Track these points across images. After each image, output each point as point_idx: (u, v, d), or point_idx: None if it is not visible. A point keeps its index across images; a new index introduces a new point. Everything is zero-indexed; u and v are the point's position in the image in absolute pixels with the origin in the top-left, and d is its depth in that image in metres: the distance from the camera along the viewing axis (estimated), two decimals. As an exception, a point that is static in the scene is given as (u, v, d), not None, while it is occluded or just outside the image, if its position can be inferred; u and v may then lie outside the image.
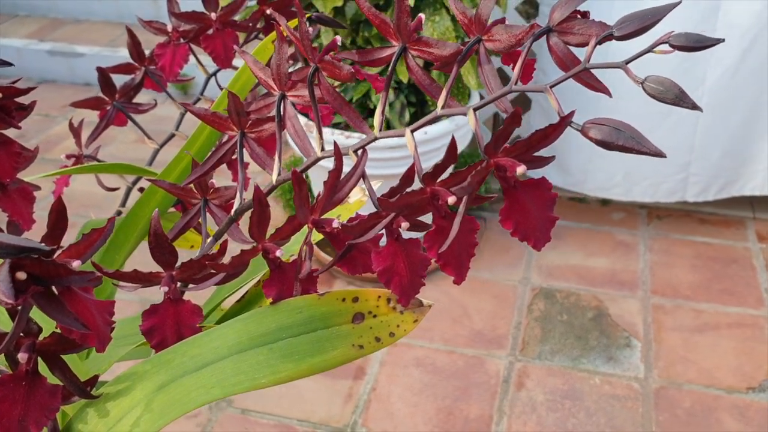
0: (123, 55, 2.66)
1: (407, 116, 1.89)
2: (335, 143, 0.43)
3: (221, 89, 0.84)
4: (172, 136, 0.81)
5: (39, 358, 0.40)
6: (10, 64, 0.54)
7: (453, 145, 0.38)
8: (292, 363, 0.45)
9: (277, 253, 0.46)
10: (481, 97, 2.12)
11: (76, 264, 0.36)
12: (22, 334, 0.38)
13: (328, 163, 1.65)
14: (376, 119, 0.45)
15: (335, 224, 0.43)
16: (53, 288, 0.35)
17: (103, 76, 0.76)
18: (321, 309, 0.46)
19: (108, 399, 0.46)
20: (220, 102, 0.67)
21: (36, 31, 2.95)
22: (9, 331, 0.36)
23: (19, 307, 0.37)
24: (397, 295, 0.43)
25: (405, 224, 0.41)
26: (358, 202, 0.57)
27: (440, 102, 0.43)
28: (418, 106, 1.87)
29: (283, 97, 0.49)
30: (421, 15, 0.44)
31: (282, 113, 0.49)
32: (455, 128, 1.80)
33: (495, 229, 2.11)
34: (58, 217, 0.38)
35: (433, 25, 1.72)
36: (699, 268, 2.00)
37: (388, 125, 1.79)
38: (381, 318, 0.46)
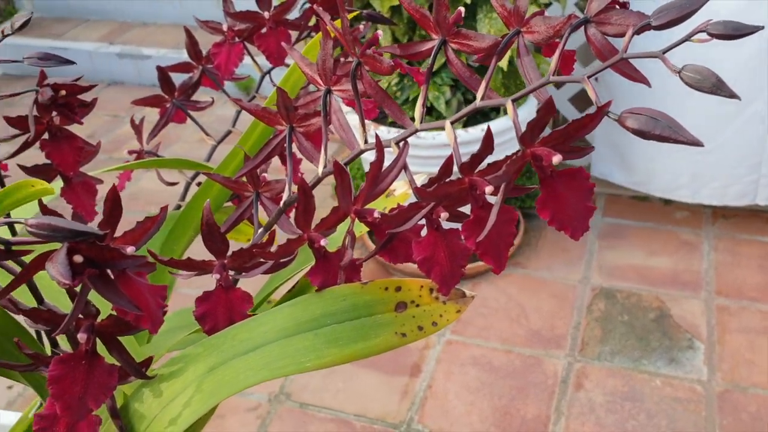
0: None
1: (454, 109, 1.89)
2: (377, 135, 0.44)
3: (275, 87, 0.87)
4: (229, 132, 0.84)
5: (97, 339, 0.43)
6: (72, 63, 0.57)
7: (489, 134, 0.39)
8: (336, 348, 0.46)
9: (322, 243, 0.47)
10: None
11: (130, 249, 0.38)
12: (81, 315, 0.40)
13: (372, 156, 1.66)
14: (417, 111, 0.46)
15: (376, 214, 0.45)
16: (108, 272, 0.37)
17: (163, 74, 0.79)
18: (364, 297, 0.48)
19: (162, 380, 0.48)
20: (272, 98, 0.69)
21: (106, 34, 3.07)
22: (69, 312, 0.39)
23: (78, 290, 0.39)
24: (438, 284, 0.44)
25: (444, 214, 0.42)
26: (404, 194, 0.58)
27: (479, 93, 0.44)
28: (466, 104, 1.87)
29: (328, 92, 0.51)
30: (461, 8, 0.44)
31: (327, 108, 0.51)
32: (510, 126, 1.79)
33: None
34: (113, 205, 0.41)
35: (490, 22, 1.72)
36: (766, 269, 1.94)
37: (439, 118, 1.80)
38: (424, 307, 0.47)
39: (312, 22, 0.77)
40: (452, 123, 0.44)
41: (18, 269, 0.46)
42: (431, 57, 0.45)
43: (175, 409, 0.46)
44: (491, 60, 0.44)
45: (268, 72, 0.83)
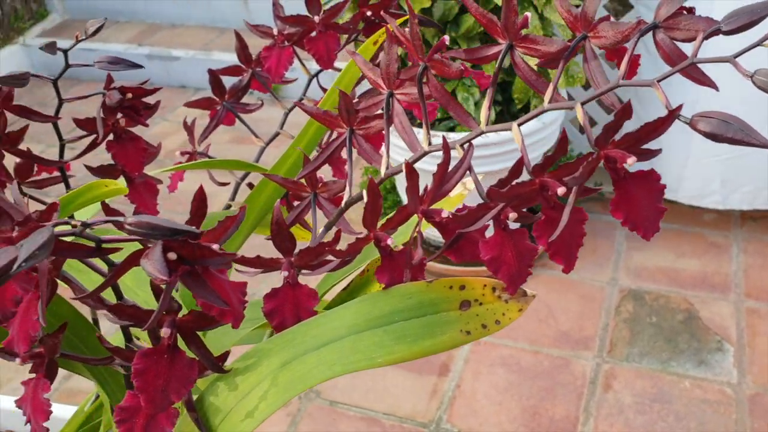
0: (216, 58, 2.76)
1: (493, 114, 1.90)
2: (444, 137, 0.46)
3: (323, 90, 0.88)
4: (277, 134, 0.85)
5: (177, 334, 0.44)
6: (140, 66, 0.59)
7: (564, 137, 0.40)
8: (405, 345, 0.47)
9: (388, 242, 0.49)
10: (569, 96, 2.10)
11: (214, 248, 0.39)
12: (164, 311, 0.42)
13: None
14: (483, 114, 0.47)
15: (444, 214, 0.46)
16: (197, 268, 0.39)
17: (214, 78, 0.81)
18: (430, 295, 0.49)
19: (237, 374, 0.49)
20: (325, 101, 0.71)
21: (135, 36, 3.11)
22: (154, 308, 0.40)
23: (164, 286, 0.41)
24: (506, 283, 0.45)
25: (513, 215, 0.43)
26: (458, 195, 0.59)
27: (547, 96, 0.45)
28: (503, 104, 1.88)
29: (391, 95, 0.52)
30: (528, 14, 0.46)
31: (390, 110, 0.52)
32: (542, 126, 1.80)
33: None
34: (200, 204, 0.42)
35: (520, 25, 1.72)
36: (797, 271, 1.93)
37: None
38: (487, 306, 0.48)
39: (360, 25, 0.79)
40: (519, 124, 0.45)
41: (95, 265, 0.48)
42: (498, 61, 0.46)
43: (251, 402, 0.47)
44: (555, 64, 0.46)
45: (316, 75, 0.85)
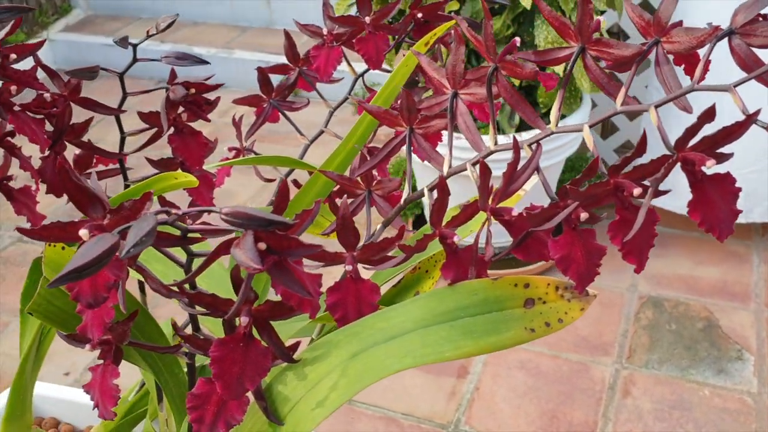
0: (238, 56, 2.78)
1: (516, 119, 1.91)
2: (514, 137, 0.47)
3: (368, 90, 0.89)
4: (321, 132, 0.86)
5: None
6: (206, 62, 0.60)
7: (644, 138, 0.41)
8: (471, 340, 0.48)
9: (455, 239, 0.50)
10: (593, 102, 2.11)
11: (301, 239, 0.40)
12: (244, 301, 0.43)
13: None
14: (553, 115, 0.48)
15: (515, 212, 0.47)
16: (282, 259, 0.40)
17: (263, 76, 0.82)
18: (495, 292, 0.50)
19: (305, 364, 0.50)
20: (376, 100, 0.72)
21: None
22: (233, 297, 0.41)
23: (244, 276, 0.42)
24: (575, 281, 0.46)
25: (584, 215, 0.44)
26: (515, 196, 0.60)
27: (619, 99, 0.46)
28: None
29: (455, 95, 0.53)
30: (600, 18, 0.47)
31: (454, 110, 0.53)
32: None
33: (600, 237, 2.09)
34: (282, 198, 0.43)
35: (547, 29, 1.73)
36: (819, 283, 1.93)
37: (498, 127, 1.81)
38: (550, 304, 0.49)
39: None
40: (591, 126, 0.46)
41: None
42: (570, 63, 0.47)
43: (321, 392, 0.48)
44: (625, 68, 0.46)
45: (361, 75, 0.86)
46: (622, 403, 1.72)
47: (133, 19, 3.23)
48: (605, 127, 2.27)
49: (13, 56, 0.54)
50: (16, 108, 0.57)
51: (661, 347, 1.83)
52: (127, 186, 0.71)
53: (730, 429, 1.63)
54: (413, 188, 0.55)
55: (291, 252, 0.39)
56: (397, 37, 0.81)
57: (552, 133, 0.48)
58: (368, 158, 0.77)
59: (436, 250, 0.62)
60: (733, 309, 1.88)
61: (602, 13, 1.86)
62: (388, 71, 0.87)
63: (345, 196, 0.52)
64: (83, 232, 0.37)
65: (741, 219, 2.02)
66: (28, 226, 0.57)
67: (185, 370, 0.62)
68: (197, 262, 0.46)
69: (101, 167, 0.72)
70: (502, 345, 0.49)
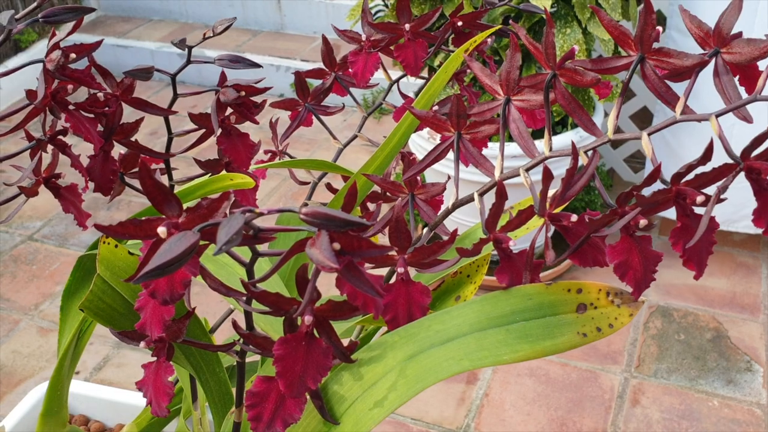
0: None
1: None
2: (573, 143, 0.47)
3: (402, 96, 0.90)
4: (355, 137, 0.87)
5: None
6: (258, 66, 0.60)
7: (710, 146, 0.41)
8: (527, 344, 0.49)
9: (510, 244, 0.50)
10: (605, 112, 2.12)
11: (373, 241, 0.41)
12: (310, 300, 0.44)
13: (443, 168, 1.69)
14: (610, 123, 0.49)
15: (573, 218, 0.47)
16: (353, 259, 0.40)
17: (300, 80, 0.83)
18: (549, 297, 0.51)
19: (361, 364, 0.51)
20: (417, 103, 0.72)
21: (168, 34, 3.14)
22: (292, 296, 0.42)
23: (309, 276, 0.42)
24: (632, 287, 0.46)
25: (643, 221, 0.45)
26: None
27: (678, 108, 0.46)
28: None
29: (508, 101, 0.54)
30: (659, 28, 0.47)
31: (507, 116, 0.54)
32: (579, 140, 1.82)
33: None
34: (351, 198, 0.44)
35: (564, 37, 1.75)
36: (828, 295, 1.94)
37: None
38: (601, 310, 0.50)
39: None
40: (649, 133, 0.47)
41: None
42: (629, 71, 0.48)
43: (379, 392, 0.49)
44: (683, 78, 0.47)
45: (397, 81, 0.87)
46: (631, 412, 1.72)
47: (143, 21, 3.24)
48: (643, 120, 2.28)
49: (73, 56, 0.55)
50: (71, 107, 0.58)
51: (670, 357, 1.84)
52: (171, 186, 0.72)
53: (739, 440, 1.64)
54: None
55: (362, 252, 0.39)
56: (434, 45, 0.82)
57: (609, 140, 0.49)
58: (401, 163, 0.78)
59: (480, 256, 0.63)
60: (742, 320, 1.89)
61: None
62: (424, 78, 0.88)
63: (400, 199, 0.53)
64: (162, 230, 0.38)
65: (749, 230, 2.04)
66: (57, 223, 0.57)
67: (226, 369, 0.63)
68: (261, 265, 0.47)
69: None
70: (556, 349, 0.49)
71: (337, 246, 0.39)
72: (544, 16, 1.71)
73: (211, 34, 0.63)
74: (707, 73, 0.48)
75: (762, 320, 1.88)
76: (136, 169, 0.69)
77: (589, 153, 0.48)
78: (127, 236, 0.39)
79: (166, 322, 0.47)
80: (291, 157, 0.84)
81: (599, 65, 0.50)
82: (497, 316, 0.50)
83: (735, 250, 2.10)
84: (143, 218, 0.39)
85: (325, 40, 0.84)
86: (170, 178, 0.71)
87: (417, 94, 0.91)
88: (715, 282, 2.00)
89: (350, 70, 0.82)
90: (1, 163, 0.62)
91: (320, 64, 0.87)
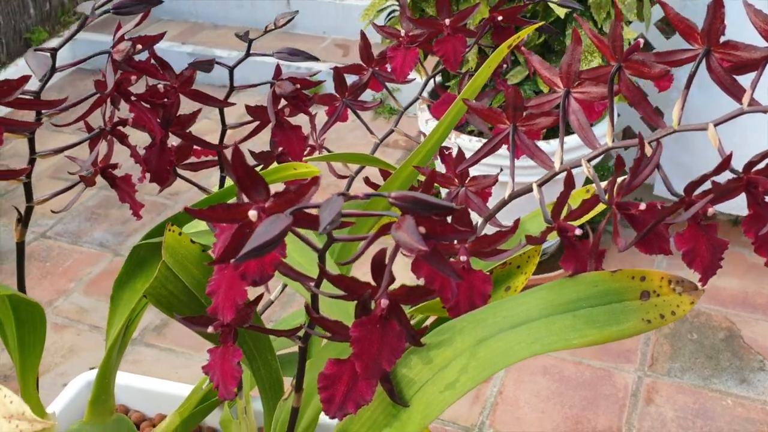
0: (258, 59, 2.79)
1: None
2: (639, 134, 0.48)
3: (440, 91, 0.91)
4: (391, 131, 0.88)
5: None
6: (316, 59, 0.61)
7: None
8: (595, 329, 0.50)
9: (576, 232, 0.51)
10: (617, 112, 2.13)
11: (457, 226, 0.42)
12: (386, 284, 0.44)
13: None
14: (675, 114, 0.50)
15: (642, 206, 0.48)
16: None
17: (338, 75, 0.84)
18: (614, 284, 0.52)
19: (430, 348, 0.52)
20: (464, 93, 0.73)
21: (178, 34, 3.14)
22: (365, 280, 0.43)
23: (387, 261, 0.43)
24: (700, 273, 0.48)
25: (711, 210, 0.46)
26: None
27: (745, 100, 0.48)
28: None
29: (567, 93, 0.55)
30: (725, 23, 0.48)
31: (566, 108, 0.55)
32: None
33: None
34: (428, 187, 0.45)
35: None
36: (840, 295, 1.96)
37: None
38: (663, 297, 0.51)
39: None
40: (716, 124, 0.48)
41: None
42: (695, 65, 0.49)
43: (450, 375, 0.50)
44: (748, 71, 0.48)
45: (433, 76, 0.88)
46: (645, 411, 1.73)
47: (153, 20, 3.25)
48: (626, 134, 2.29)
49: (139, 47, 0.56)
50: (133, 98, 0.59)
51: (683, 356, 1.85)
52: (223, 178, 0.73)
53: (753, 438, 1.65)
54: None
55: (445, 236, 0.40)
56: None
57: (674, 131, 0.50)
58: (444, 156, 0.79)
59: (531, 247, 0.63)
60: (755, 320, 1.90)
61: (629, 23, 1.89)
62: (460, 74, 0.89)
63: (461, 188, 0.54)
64: (253, 213, 0.39)
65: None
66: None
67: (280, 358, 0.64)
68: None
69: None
70: (623, 334, 0.50)
71: (422, 230, 0.40)
72: (561, 16, 1.72)
73: (273, 27, 0.64)
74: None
75: (774, 320, 1.90)
76: (189, 161, 0.70)
77: (653, 144, 0.49)
78: (216, 219, 0.40)
79: (238, 306, 0.48)
80: (329, 151, 0.85)
81: (665, 57, 0.51)
82: (563, 303, 0.51)
83: (746, 251, 2.11)
84: (232, 203, 0.40)
85: (363, 36, 0.85)
86: (221, 169, 0.72)
87: (430, 95, 0.92)
88: (727, 282, 2.01)
89: (388, 66, 0.83)
90: (59, 154, 0.62)
91: (331, 64, 0.88)
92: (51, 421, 0.43)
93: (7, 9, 2.86)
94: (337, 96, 0.86)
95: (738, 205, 1.80)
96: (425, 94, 0.94)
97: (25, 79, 0.56)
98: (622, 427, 1.69)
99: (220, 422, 0.79)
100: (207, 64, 0.60)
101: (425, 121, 1.88)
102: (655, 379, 1.79)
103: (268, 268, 0.41)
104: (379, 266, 0.44)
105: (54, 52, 0.59)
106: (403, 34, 0.83)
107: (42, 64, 0.57)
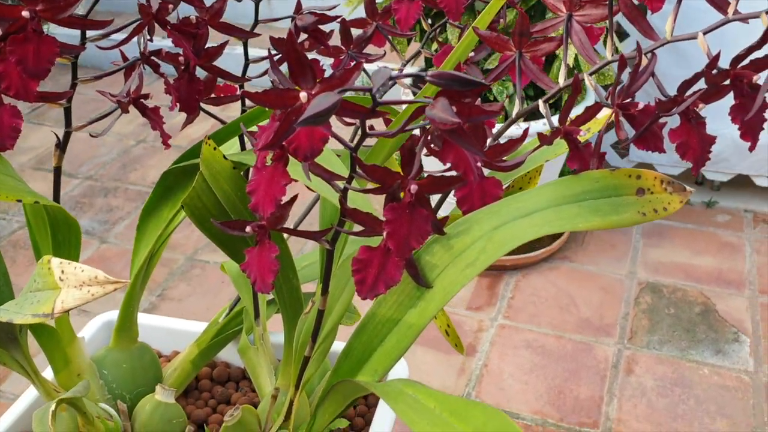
0: (239, 52, 2.83)
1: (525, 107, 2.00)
2: (638, 43, 0.54)
3: (439, 45, 0.96)
4: (394, 83, 0.93)
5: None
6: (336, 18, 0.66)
7: (766, 33, 0.48)
8: (598, 217, 0.55)
9: (580, 135, 0.57)
10: (595, 99, 2.21)
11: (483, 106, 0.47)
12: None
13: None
14: (668, 26, 0.56)
15: (640, 106, 0.54)
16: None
17: (345, 27, 0.89)
18: (613, 181, 0.57)
19: (450, 237, 0.57)
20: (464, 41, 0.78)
21: (160, 30, 3.17)
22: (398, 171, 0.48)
23: (417, 150, 0.48)
24: (692, 163, 0.53)
25: (702, 105, 0.52)
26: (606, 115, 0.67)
27: (730, 11, 0.53)
28: (534, 99, 1.99)
29: (570, 17, 0.61)
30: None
31: (569, 30, 0.60)
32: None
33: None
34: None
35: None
36: (809, 271, 2.05)
37: (506, 116, 1.91)
38: (656, 195, 0.57)
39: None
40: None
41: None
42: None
43: (470, 256, 0.55)
44: None
45: (436, 28, 0.93)
46: (626, 380, 1.80)
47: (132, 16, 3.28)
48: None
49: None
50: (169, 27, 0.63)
51: (661, 329, 1.92)
52: (244, 110, 0.77)
53: (728, 404, 1.72)
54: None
55: (474, 117, 0.45)
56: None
57: (667, 42, 0.56)
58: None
59: (531, 167, 0.69)
60: (728, 295, 1.98)
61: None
62: (460, 27, 0.94)
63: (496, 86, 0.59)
64: (303, 95, 0.43)
65: (727, 170, 2.17)
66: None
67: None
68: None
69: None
70: (622, 223, 0.56)
71: (453, 109, 0.45)
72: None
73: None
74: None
75: (747, 295, 1.97)
76: (213, 96, 0.74)
77: (649, 55, 0.55)
78: (269, 103, 0.45)
79: (277, 201, 0.52)
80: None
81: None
82: (570, 195, 0.57)
83: (719, 231, 2.20)
84: (283, 88, 0.45)
85: (369, -11, 0.90)
86: (243, 103, 0.76)
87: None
88: (701, 260, 2.09)
89: (394, 17, 0.89)
90: (94, 82, 0.67)
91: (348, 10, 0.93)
92: (123, 280, 0.46)
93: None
94: (343, 48, 0.91)
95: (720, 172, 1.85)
96: (408, 80, 1.00)
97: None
98: (604, 396, 1.76)
99: (239, 350, 0.83)
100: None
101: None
102: (635, 351, 1.86)
103: (317, 143, 0.45)
104: (409, 154, 0.49)
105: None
106: (405, -13, 0.89)
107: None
